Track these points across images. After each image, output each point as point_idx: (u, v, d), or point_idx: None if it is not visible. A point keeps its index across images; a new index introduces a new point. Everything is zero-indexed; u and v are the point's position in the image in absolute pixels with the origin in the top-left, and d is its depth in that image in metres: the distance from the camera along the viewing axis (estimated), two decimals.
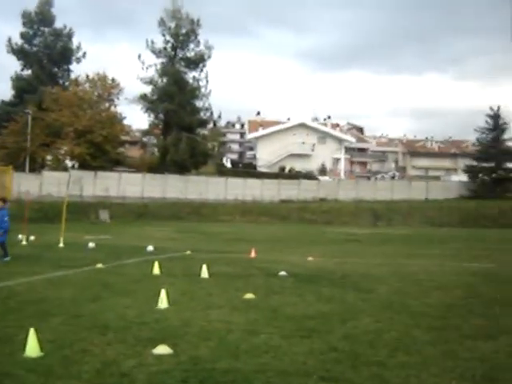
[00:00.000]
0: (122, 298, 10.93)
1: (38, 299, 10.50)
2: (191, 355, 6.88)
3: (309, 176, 71.06)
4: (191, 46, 62.06)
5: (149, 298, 10.57)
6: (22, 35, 62.89)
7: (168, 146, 58.72)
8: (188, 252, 21.05)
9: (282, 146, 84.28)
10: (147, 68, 60.83)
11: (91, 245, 22.72)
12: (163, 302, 9.92)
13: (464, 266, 18.37)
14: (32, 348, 6.73)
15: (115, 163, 59.92)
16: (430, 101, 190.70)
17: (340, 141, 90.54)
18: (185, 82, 61.51)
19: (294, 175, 70.55)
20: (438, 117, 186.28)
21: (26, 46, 63.30)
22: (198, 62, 62.11)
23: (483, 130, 66.25)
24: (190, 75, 62.73)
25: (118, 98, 60.30)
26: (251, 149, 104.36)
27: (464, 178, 68.54)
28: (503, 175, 63.65)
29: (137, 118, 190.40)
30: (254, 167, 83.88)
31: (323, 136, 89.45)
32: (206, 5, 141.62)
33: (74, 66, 65.84)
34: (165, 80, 60.97)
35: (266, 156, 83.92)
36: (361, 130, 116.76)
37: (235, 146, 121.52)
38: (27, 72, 63.80)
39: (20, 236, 24.41)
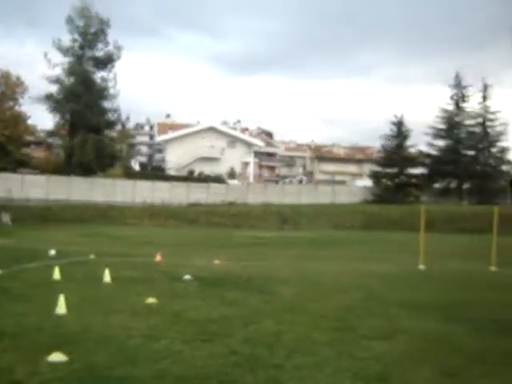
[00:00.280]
0: (19, 303, 10.57)
1: None
2: (88, 362, 6.73)
3: (218, 180, 71.15)
4: (100, 45, 60.55)
5: (47, 303, 10.24)
6: None
7: (74, 147, 57.05)
8: (92, 256, 20.56)
9: (191, 150, 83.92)
10: (54, 67, 58.98)
11: None
12: (62, 308, 9.66)
13: (365, 268, 18.95)
14: None
15: (19, 164, 57.77)
16: (338, 107, 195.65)
17: (249, 145, 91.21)
18: (92, 81, 60.02)
19: (203, 179, 70.44)
20: (345, 123, 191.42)
21: None
22: (106, 62, 60.75)
23: (387, 136, 68.70)
24: (98, 75, 61.24)
25: (22, 97, 58.42)
26: (160, 151, 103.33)
27: (369, 183, 70.69)
28: (405, 180, 66.23)
29: (42, 119, 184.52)
30: (163, 170, 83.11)
31: (233, 140, 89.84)
32: (117, 5, 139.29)
33: None
34: (72, 79, 59.25)
35: (175, 159, 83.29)
36: (270, 134, 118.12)
37: (144, 149, 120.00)
38: None
39: None
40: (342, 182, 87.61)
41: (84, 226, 42.56)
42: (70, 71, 58.94)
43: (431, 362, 7.25)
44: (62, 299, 9.75)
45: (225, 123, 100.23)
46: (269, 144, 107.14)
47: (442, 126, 69.62)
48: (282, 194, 62.34)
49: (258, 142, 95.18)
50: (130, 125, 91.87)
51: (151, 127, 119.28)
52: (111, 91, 61.01)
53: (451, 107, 69.46)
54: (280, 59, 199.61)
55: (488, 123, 68.81)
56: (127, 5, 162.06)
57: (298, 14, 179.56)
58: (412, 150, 69.73)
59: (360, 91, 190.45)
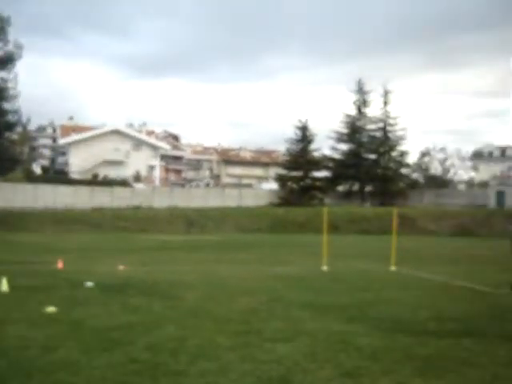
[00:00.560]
0: None
1: None
2: None
3: (123, 183, 69.92)
4: None
5: None
6: None
7: None
8: None
9: (95, 153, 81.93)
10: None
11: None
12: None
13: (271, 270, 19.11)
14: None
15: None
16: (245, 111, 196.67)
17: (155, 148, 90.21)
18: None
19: (108, 182, 68.99)
20: (251, 127, 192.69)
21: None
22: (6, 61, 58.49)
23: (292, 140, 69.83)
24: None
25: None
26: (64, 154, 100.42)
27: (274, 186, 71.64)
28: (310, 184, 67.53)
29: None
30: (67, 174, 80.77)
31: (138, 143, 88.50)
32: (20, 4, 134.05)
33: None
34: None
35: (79, 162, 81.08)
36: (176, 138, 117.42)
37: (46, 152, 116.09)
38: None
39: None
40: (249, 186, 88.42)
41: None
42: None
43: (333, 362, 7.35)
44: None
45: (130, 126, 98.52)
46: (175, 147, 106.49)
47: (345, 131, 71.43)
48: (189, 198, 62.07)
49: (164, 145, 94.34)
50: (32, 127, 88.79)
51: (54, 130, 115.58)
52: (11, 92, 58.52)
53: (354, 112, 71.45)
54: (187, 62, 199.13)
55: (388, 128, 71.24)
56: (32, 4, 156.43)
57: (205, 17, 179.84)
58: (316, 154, 71.10)
59: (267, 95, 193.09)
